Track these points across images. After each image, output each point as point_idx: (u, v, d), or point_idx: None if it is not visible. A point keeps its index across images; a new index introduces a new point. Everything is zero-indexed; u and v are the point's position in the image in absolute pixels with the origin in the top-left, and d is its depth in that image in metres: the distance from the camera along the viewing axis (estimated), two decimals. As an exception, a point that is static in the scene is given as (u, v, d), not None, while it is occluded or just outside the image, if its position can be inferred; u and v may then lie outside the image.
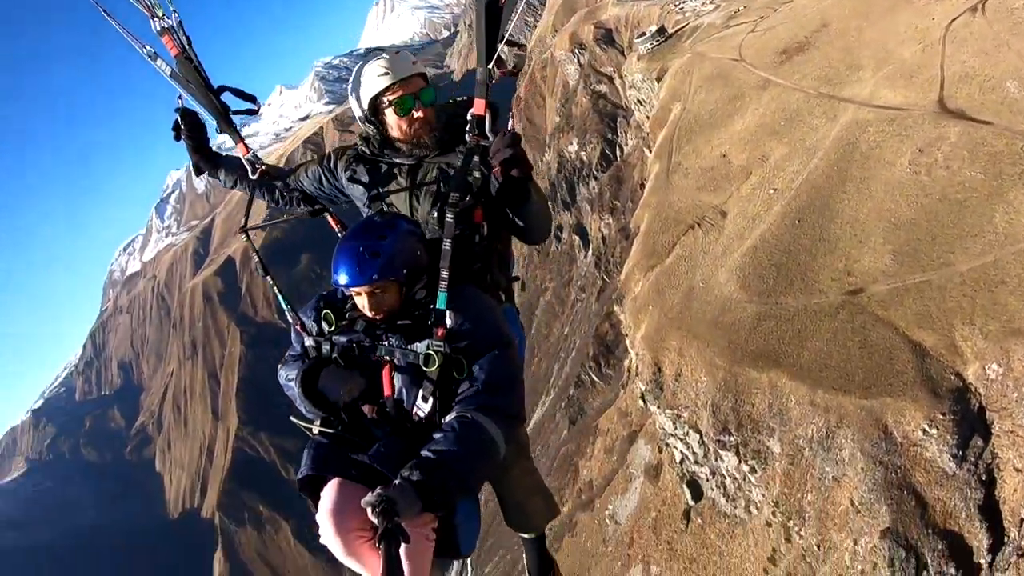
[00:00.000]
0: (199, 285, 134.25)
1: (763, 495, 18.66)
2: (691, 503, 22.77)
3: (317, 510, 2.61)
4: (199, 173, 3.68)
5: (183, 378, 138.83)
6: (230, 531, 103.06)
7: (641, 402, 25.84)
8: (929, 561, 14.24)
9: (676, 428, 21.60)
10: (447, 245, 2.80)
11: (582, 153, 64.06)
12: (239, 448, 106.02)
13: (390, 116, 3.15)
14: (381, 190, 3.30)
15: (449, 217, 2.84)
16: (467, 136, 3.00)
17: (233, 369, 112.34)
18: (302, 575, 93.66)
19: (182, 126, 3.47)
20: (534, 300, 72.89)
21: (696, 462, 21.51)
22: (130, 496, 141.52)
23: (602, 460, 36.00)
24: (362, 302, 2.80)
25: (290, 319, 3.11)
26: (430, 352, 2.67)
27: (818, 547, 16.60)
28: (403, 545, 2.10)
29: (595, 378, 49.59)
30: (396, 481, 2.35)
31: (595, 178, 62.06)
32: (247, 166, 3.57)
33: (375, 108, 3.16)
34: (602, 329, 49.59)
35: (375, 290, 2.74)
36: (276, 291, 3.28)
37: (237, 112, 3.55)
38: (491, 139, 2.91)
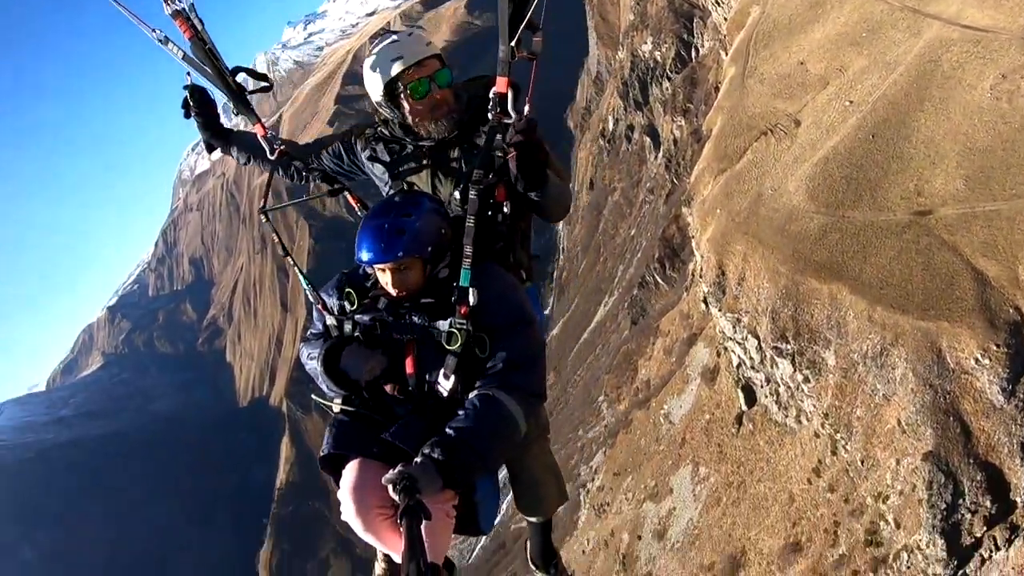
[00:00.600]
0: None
1: (814, 406, 19.19)
2: (744, 408, 23.52)
3: (339, 488, 2.67)
4: (211, 150, 3.62)
5: (252, 272, 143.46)
6: (296, 418, 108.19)
7: (703, 305, 26.33)
8: (967, 490, 14.53)
9: (735, 332, 22.12)
10: (470, 222, 2.79)
11: (656, 53, 61.87)
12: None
13: (406, 100, 3.08)
14: (402, 169, 3.28)
15: (472, 194, 2.83)
16: (489, 114, 2.95)
17: (301, 262, 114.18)
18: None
19: (191, 103, 3.42)
20: (602, 200, 72.36)
21: (752, 367, 22.10)
22: (202, 385, 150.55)
23: (661, 361, 36.91)
24: (386, 279, 2.80)
25: (311, 298, 3.12)
26: (453, 330, 2.67)
27: (862, 463, 17.11)
28: (424, 522, 2.09)
29: (659, 280, 49.81)
30: (417, 459, 2.41)
31: (668, 79, 60.03)
32: (265, 146, 3.50)
33: (391, 93, 3.10)
34: (669, 231, 49.41)
35: (400, 267, 2.74)
36: (298, 270, 3.27)
37: (253, 92, 3.48)
38: (513, 117, 2.87)
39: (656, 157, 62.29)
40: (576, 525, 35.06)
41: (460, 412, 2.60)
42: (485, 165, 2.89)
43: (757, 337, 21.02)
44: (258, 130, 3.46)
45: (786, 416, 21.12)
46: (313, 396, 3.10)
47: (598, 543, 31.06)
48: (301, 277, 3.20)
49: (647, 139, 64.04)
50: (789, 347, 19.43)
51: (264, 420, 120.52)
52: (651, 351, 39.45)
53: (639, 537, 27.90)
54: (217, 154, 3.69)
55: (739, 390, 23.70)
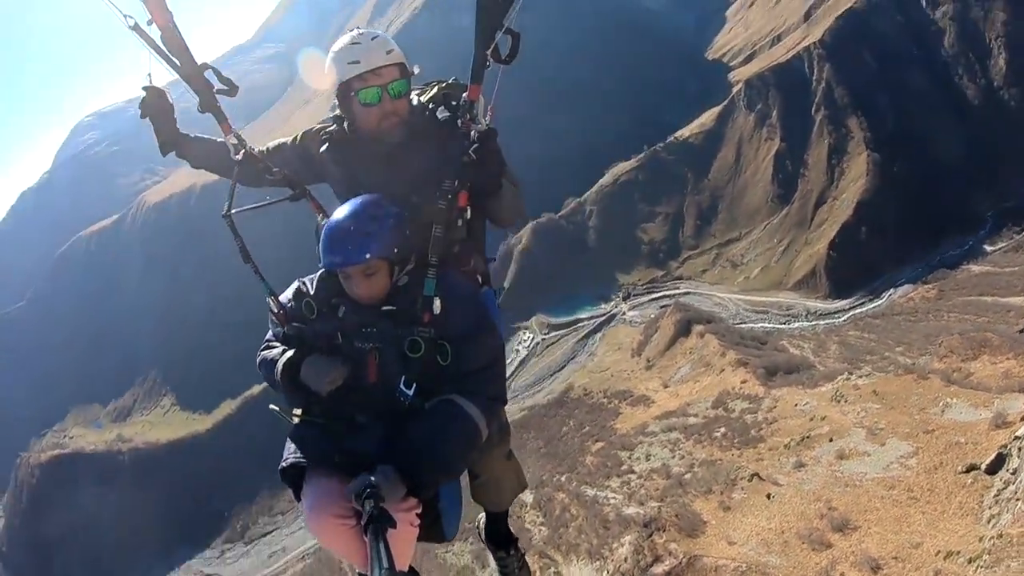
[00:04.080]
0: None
1: None
2: None
3: (299, 499, 2.64)
4: (165, 152, 3.47)
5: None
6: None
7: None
8: None
9: None
10: (438, 231, 2.78)
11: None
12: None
13: (356, 105, 3.01)
14: (357, 172, 3.18)
15: (442, 204, 2.81)
16: (459, 121, 2.93)
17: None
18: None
19: (150, 104, 3.31)
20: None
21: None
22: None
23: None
24: (351, 285, 2.76)
25: (272, 307, 3.05)
26: (416, 338, 2.66)
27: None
28: (388, 531, 2.06)
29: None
30: (379, 466, 2.38)
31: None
32: (230, 147, 3.39)
33: (343, 95, 3.03)
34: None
35: (367, 271, 2.70)
36: (260, 278, 3.17)
37: (217, 91, 3.33)
38: (482, 124, 2.87)
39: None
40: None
41: (422, 419, 2.59)
42: (456, 174, 2.84)
43: None
44: (223, 129, 3.38)
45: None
46: (272, 407, 3.00)
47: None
48: (264, 285, 3.11)
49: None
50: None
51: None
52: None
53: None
54: (171, 156, 3.55)
55: None
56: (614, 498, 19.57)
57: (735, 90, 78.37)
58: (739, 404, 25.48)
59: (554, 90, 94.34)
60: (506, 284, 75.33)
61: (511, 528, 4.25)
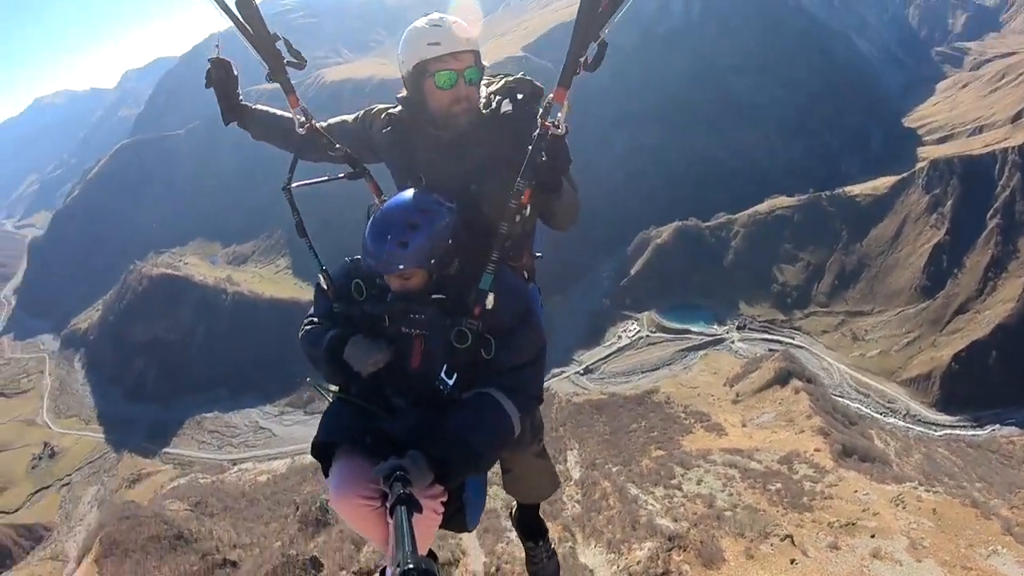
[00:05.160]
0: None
1: None
2: None
3: (327, 476, 2.66)
4: (227, 121, 3.53)
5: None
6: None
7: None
8: None
9: None
10: (504, 229, 2.74)
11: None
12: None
13: (430, 87, 2.98)
14: (416, 157, 3.16)
15: (513, 203, 2.74)
16: (538, 120, 2.79)
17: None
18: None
19: (214, 75, 3.39)
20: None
21: None
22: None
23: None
24: (387, 279, 2.78)
25: (324, 284, 3.08)
26: (464, 329, 2.65)
27: None
28: (413, 515, 2.01)
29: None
30: (410, 452, 2.38)
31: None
32: (296, 120, 3.38)
33: (418, 74, 2.98)
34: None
35: (401, 276, 2.70)
36: (314, 254, 3.22)
37: (287, 63, 3.32)
38: (561, 128, 2.75)
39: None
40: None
41: (458, 410, 2.61)
42: (530, 174, 2.74)
43: None
44: (291, 101, 3.37)
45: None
46: (309, 382, 3.08)
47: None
48: (316, 261, 3.16)
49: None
50: None
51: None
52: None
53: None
54: (233, 126, 3.58)
55: None
56: (652, 505, 19.76)
57: (919, 166, 74.98)
58: (804, 469, 25.20)
59: (742, 103, 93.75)
60: (632, 271, 77.05)
61: (543, 519, 4.28)
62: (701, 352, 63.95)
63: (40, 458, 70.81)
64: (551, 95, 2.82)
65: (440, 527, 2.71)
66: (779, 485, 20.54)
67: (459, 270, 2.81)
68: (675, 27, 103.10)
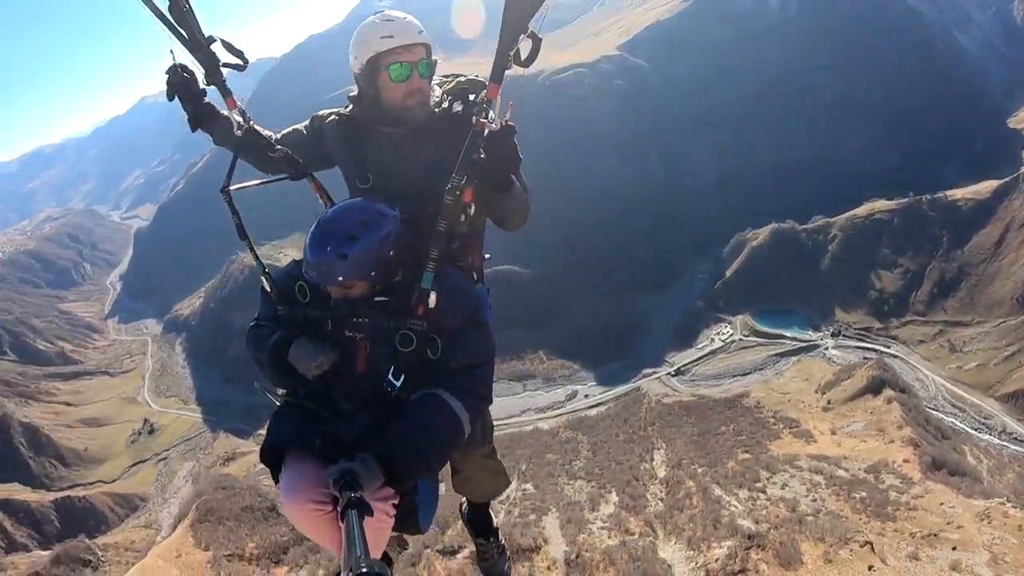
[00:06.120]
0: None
1: None
2: None
3: (276, 481, 2.63)
4: (194, 128, 3.36)
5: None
6: None
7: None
8: None
9: None
10: (442, 227, 2.74)
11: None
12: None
13: (385, 80, 2.98)
14: (366, 155, 3.16)
15: (449, 200, 2.75)
16: (473, 117, 2.83)
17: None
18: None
19: (175, 81, 3.20)
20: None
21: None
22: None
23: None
24: (330, 291, 2.75)
25: (266, 286, 3.04)
26: (408, 331, 2.64)
27: None
28: (364, 518, 2.01)
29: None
30: (360, 455, 2.35)
31: None
32: (233, 121, 3.33)
33: (372, 69, 2.99)
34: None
35: (341, 286, 2.68)
36: (255, 256, 3.15)
37: (226, 65, 3.27)
38: (496, 123, 2.77)
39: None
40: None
41: (406, 411, 2.58)
42: (465, 170, 2.77)
43: None
44: (228, 104, 3.33)
45: None
46: (256, 385, 3.07)
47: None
48: (258, 263, 3.12)
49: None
50: None
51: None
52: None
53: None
54: (200, 132, 3.43)
55: None
56: (735, 507, 20.11)
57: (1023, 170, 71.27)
58: (891, 479, 23.55)
59: (839, 101, 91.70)
60: (728, 273, 76.88)
61: (492, 516, 4.32)
62: (794, 358, 63.37)
63: (140, 433, 76.34)
64: (483, 92, 2.93)
65: (393, 530, 2.72)
66: (864, 493, 20.57)
67: (403, 273, 2.78)
68: (771, 25, 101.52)
